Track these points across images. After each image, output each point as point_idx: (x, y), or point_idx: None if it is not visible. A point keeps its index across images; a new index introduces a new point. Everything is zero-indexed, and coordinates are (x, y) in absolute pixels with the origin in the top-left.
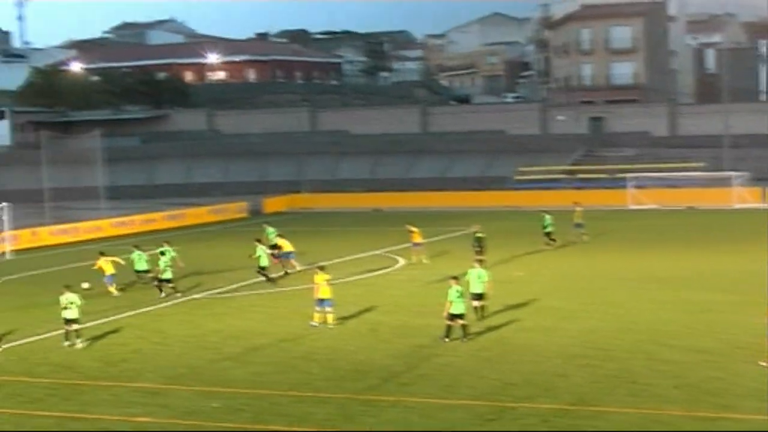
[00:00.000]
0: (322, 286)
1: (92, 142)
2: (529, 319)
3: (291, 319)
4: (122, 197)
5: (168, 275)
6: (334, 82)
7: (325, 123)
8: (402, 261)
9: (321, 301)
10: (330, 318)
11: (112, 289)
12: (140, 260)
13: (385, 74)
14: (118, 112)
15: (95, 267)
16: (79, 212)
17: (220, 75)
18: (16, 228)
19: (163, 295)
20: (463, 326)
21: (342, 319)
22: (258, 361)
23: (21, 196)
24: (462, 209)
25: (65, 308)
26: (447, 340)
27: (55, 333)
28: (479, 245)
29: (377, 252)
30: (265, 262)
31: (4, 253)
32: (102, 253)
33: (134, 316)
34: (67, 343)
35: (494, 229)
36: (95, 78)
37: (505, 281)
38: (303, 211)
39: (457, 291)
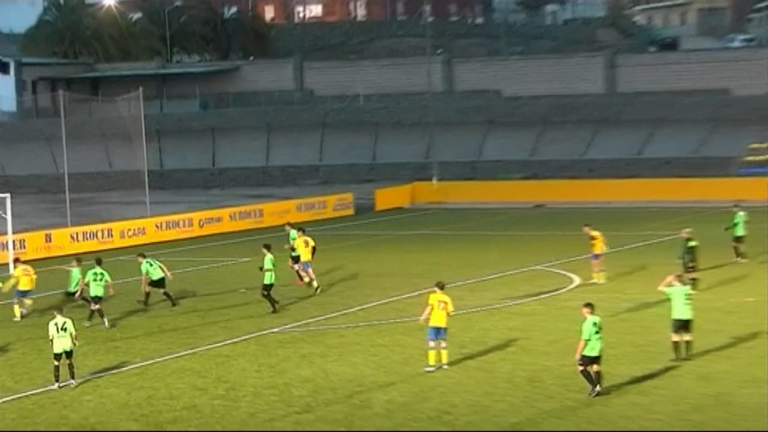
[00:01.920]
0: (437, 309)
1: (131, 107)
2: (760, 365)
3: (402, 361)
4: (173, 186)
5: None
6: (479, 21)
7: (465, 80)
8: (577, 279)
9: (436, 332)
10: (444, 355)
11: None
12: (154, 270)
13: (552, 8)
14: (169, 64)
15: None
16: (113, 208)
17: (315, 12)
18: (22, 230)
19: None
20: (598, 374)
21: (490, 362)
22: (370, 426)
23: (30, 184)
24: (664, 205)
25: (56, 338)
26: (597, 389)
27: (80, 380)
28: (691, 257)
29: (540, 266)
30: (270, 278)
31: (6, 265)
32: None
33: (189, 357)
34: (58, 384)
35: (711, 234)
36: (136, 16)
37: (726, 309)
38: (432, 207)
39: (594, 324)
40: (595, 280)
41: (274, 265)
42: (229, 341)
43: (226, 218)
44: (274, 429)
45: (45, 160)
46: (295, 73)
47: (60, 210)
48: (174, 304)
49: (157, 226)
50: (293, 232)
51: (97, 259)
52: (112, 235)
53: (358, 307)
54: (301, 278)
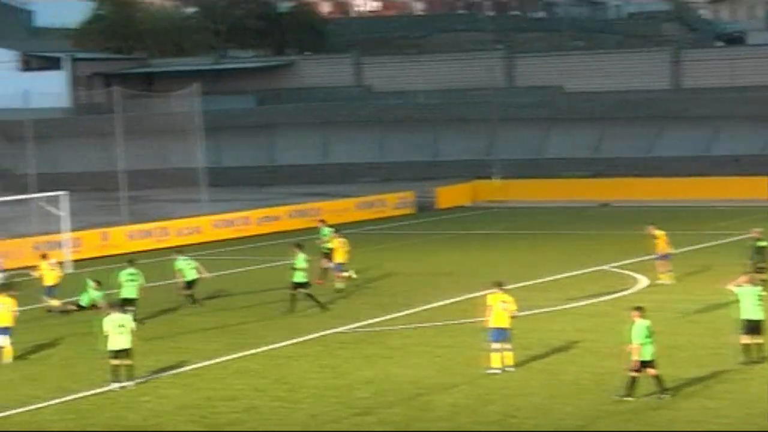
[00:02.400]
0: (498, 310)
1: (186, 103)
2: None
3: (466, 363)
4: (229, 183)
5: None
6: (541, 15)
7: (526, 75)
8: (645, 280)
9: (498, 333)
10: (508, 357)
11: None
12: (189, 269)
13: (616, 2)
14: (224, 60)
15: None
16: (167, 205)
17: (372, 5)
18: (79, 228)
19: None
20: (657, 377)
21: (555, 364)
22: (432, 428)
23: (84, 182)
24: (733, 204)
25: (113, 335)
26: (630, 398)
27: (139, 380)
28: (761, 257)
29: (606, 266)
30: (301, 277)
31: (61, 263)
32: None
33: (249, 357)
34: (116, 385)
35: None
36: (190, 11)
37: None
38: (493, 206)
39: (646, 328)
40: (662, 281)
41: (306, 264)
42: (290, 342)
43: (283, 216)
44: (335, 431)
45: (99, 157)
46: (353, 69)
47: (114, 207)
48: (193, 304)
49: (213, 225)
50: (326, 230)
51: (130, 259)
52: (168, 234)
53: (421, 308)
54: (323, 278)
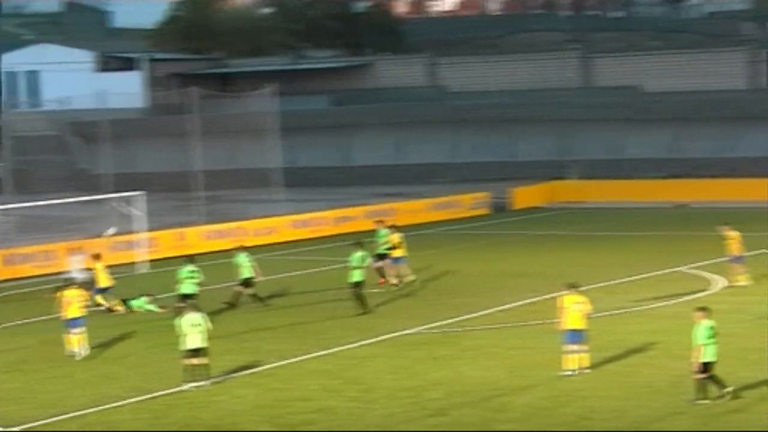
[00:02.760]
0: (572, 312)
1: (262, 103)
2: None
3: (540, 364)
4: (303, 184)
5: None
6: (618, 14)
7: (603, 75)
8: (721, 281)
9: (573, 335)
10: (584, 358)
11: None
12: (246, 267)
13: (695, 1)
14: (299, 60)
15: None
16: (243, 206)
17: (447, 6)
18: (155, 228)
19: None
20: (713, 377)
21: (631, 366)
22: (506, 430)
23: (161, 182)
24: None
25: (189, 334)
26: (706, 401)
27: (213, 380)
28: None
29: (682, 268)
30: (358, 276)
31: (133, 264)
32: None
33: (322, 358)
34: (191, 385)
35: None
36: (265, 11)
37: None
38: (569, 207)
39: (709, 329)
40: (739, 282)
41: (363, 263)
42: (363, 342)
43: (359, 216)
44: (409, 431)
45: (175, 158)
46: (428, 69)
47: (190, 208)
48: (258, 302)
49: (289, 225)
50: (383, 231)
51: (190, 256)
52: (244, 234)
53: (494, 309)
54: (384, 276)
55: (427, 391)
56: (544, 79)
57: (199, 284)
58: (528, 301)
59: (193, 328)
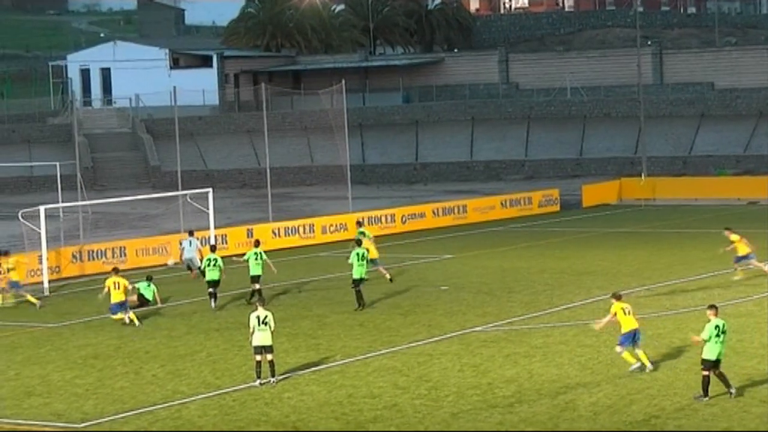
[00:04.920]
0: (624, 315)
1: (333, 100)
2: None
3: (608, 362)
4: (375, 181)
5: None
6: (692, 11)
7: (676, 71)
8: None
9: (631, 336)
10: (643, 356)
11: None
12: (257, 264)
13: None
14: (371, 57)
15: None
16: (313, 203)
17: (521, 2)
18: (225, 224)
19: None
20: (720, 375)
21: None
22: (575, 428)
23: (231, 179)
24: None
25: (257, 331)
26: (706, 398)
27: (281, 377)
28: None
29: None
30: (359, 273)
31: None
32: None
33: (391, 356)
34: (259, 381)
35: None
36: (338, 8)
37: None
38: (640, 204)
39: (717, 328)
40: (735, 277)
41: (362, 260)
42: (431, 340)
43: (429, 214)
44: (477, 429)
45: (246, 154)
46: (500, 66)
47: (260, 204)
48: (250, 301)
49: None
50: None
51: (212, 246)
52: (313, 231)
53: (563, 307)
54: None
55: (496, 388)
56: (616, 76)
57: (221, 270)
58: (596, 298)
59: (261, 325)
